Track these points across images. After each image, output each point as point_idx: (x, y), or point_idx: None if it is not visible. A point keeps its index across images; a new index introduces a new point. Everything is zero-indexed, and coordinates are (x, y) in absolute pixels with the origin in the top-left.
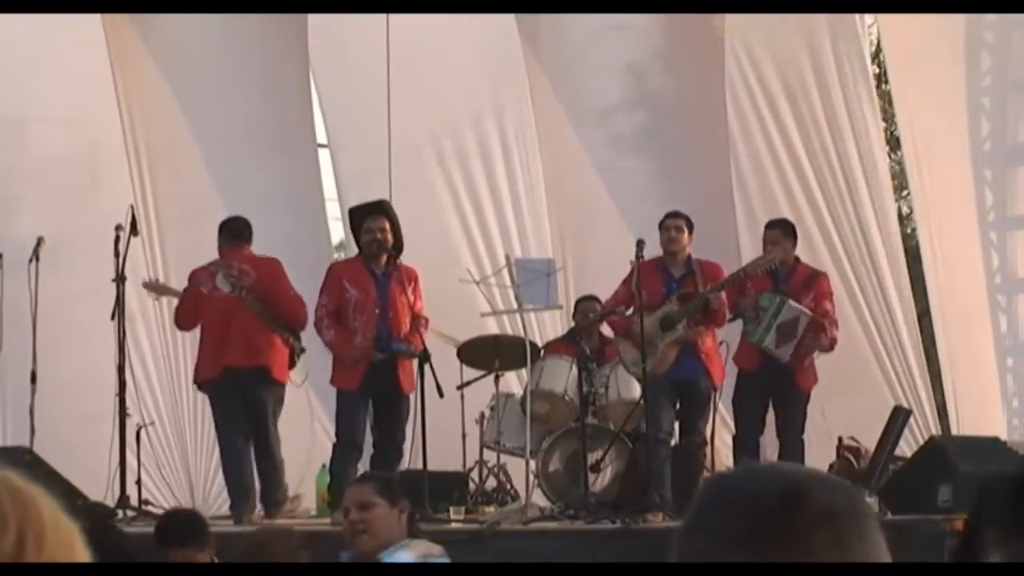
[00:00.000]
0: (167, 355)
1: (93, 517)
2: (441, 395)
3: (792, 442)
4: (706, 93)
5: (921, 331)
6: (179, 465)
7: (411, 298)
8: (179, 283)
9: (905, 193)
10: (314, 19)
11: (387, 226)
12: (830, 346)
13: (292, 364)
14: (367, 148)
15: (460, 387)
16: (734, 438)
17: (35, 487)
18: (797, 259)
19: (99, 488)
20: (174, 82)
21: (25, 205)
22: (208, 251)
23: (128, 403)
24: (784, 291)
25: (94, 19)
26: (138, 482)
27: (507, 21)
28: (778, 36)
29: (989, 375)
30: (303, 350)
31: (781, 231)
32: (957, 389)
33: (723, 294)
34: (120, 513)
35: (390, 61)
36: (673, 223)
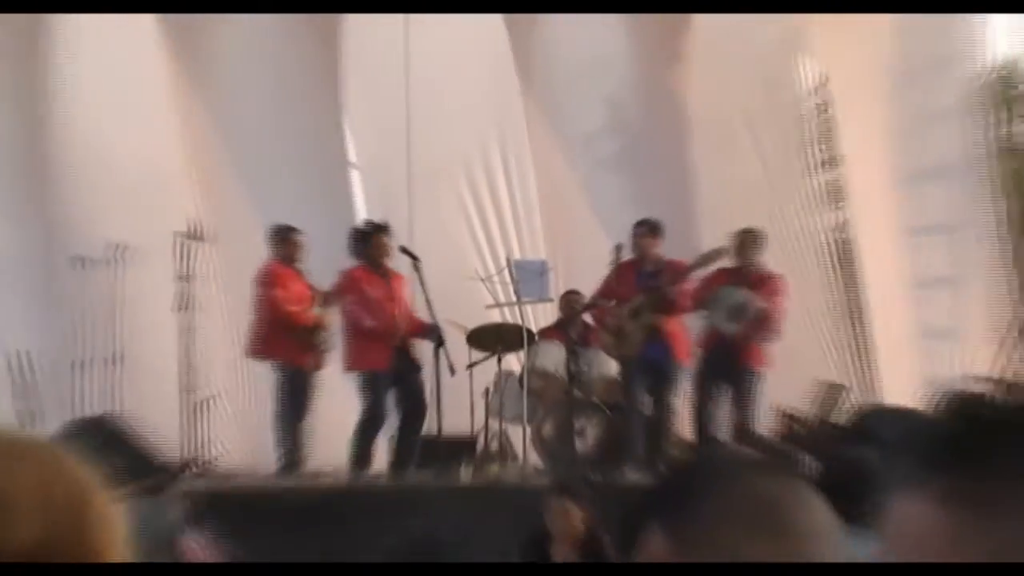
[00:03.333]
0: (225, 340)
1: (160, 474)
2: (453, 373)
3: (743, 415)
4: (674, 120)
5: (854, 321)
6: (236, 429)
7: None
8: (231, 282)
9: (842, 204)
10: (345, 46)
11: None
12: (773, 335)
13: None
14: (388, 167)
15: (469, 367)
16: (695, 407)
17: (59, 450)
18: (756, 261)
19: (171, 451)
20: (223, 111)
21: (108, 217)
22: (252, 257)
23: (194, 379)
24: (742, 284)
25: (159, 59)
26: (203, 446)
27: (507, 61)
28: (736, 69)
29: (908, 356)
30: None
31: (740, 238)
32: (882, 368)
33: (684, 288)
34: (187, 471)
35: (409, 93)
36: (639, 231)
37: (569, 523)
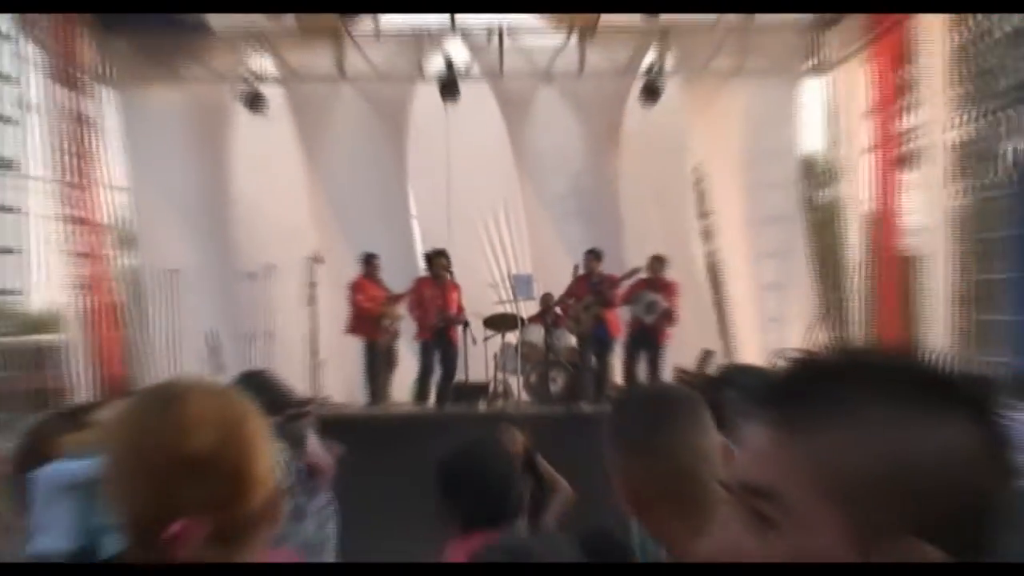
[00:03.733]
0: (333, 324)
1: (294, 407)
2: (475, 343)
3: (654, 370)
4: (610, 188)
5: (721, 311)
6: (341, 379)
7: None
8: (336, 288)
9: (712, 239)
10: (410, 134)
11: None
12: (672, 322)
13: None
14: (435, 216)
15: (484, 340)
16: (624, 366)
17: (231, 390)
18: (662, 275)
19: (300, 392)
20: (332, 174)
21: (262, 245)
22: (348, 273)
23: (315, 347)
24: (656, 289)
25: (294, 136)
26: (320, 389)
27: (508, 150)
28: (649, 154)
29: (755, 334)
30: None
31: (651, 260)
32: (739, 341)
33: (617, 291)
34: (311, 405)
35: (449, 169)
36: (589, 256)
37: (514, 442)
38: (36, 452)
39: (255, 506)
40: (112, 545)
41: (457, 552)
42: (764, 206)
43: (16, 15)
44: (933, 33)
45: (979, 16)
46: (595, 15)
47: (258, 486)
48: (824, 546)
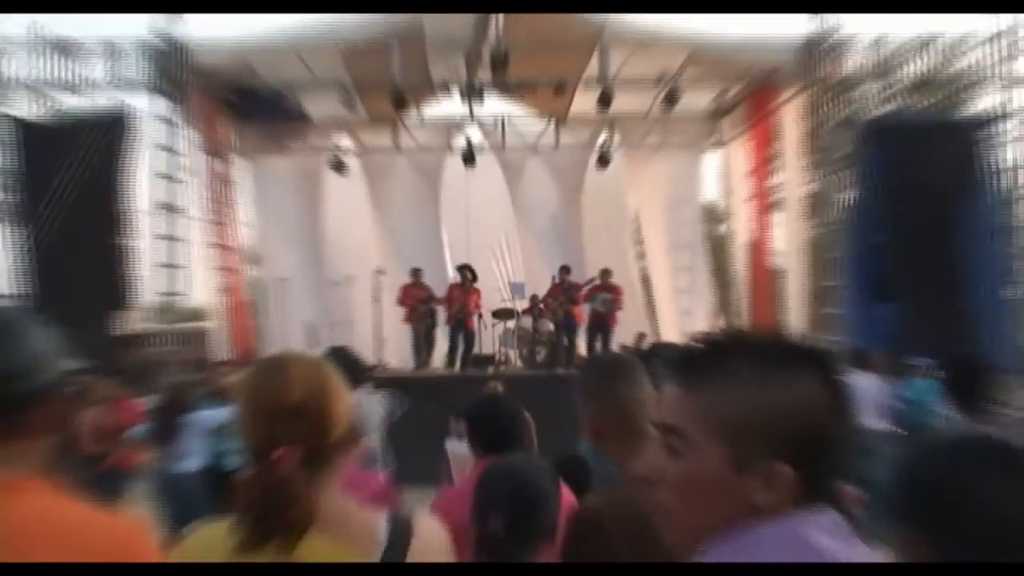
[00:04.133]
0: (391, 317)
1: (365, 372)
2: (486, 328)
3: (606, 345)
4: (576, 226)
5: (651, 307)
6: (396, 351)
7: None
8: (391, 292)
9: (644, 258)
10: (442, 191)
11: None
12: (617, 312)
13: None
14: (459, 245)
15: (492, 326)
16: (587, 343)
17: (321, 360)
18: (610, 281)
19: (369, 361)
20: (392, 218)
21: (343, 261)
22: (400, 281)
23: (379, 331)
24: (607, 291)
25: (365, 194)
26: (382, 359)
27: (507, 197)
28: (598, 200)
29: (673, 323)
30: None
31: (602, 272)
32: (662, 328)
33: (580, 293)
34: (376, 370)
35: (468, 213)
36: (562, 271)
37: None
38: (184, 401)
39: (334, 440)
40: (234, 464)
41: (475, 469)
42: (678, 236)
43: (177, 106)
44: (790, 121)
45: (820, 110)
46: (566, 109)
47: (336, 427)
48: (712, 467)
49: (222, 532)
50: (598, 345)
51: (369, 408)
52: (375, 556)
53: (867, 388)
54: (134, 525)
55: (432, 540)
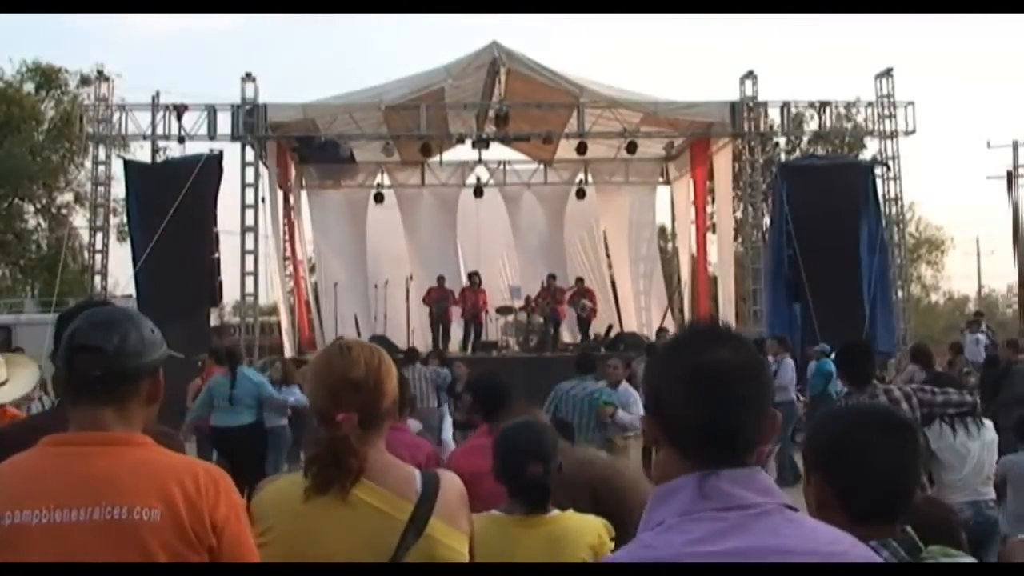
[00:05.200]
0: (419, 312)
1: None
2: (491, 320)
3: (587, 335)
4: (560, 245)
5: (616, 304)
6: (424, 340)
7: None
8: (418, 293)
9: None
10: (458, 217)
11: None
12: (594, 308)
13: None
14: (469, 259)
15: (495, 319)
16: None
17: (375, 346)
18: (587, 286)
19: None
20: (419, 238)
21: (384, 270)
22: (427, 285)
23: (412, 324)
24: (585, 297)
25: (398, 220)
26: (414, 347)
27: (507, 222)
28: (578, 225)
29: (636, 316)
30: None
31: (577, 279)
32: (626, 320)
33: (564, 295)
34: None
35: (479, 235)
36: (549, 278)
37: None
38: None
39: (384, 408)
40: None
41: (482, 431)
42: (638, 252)
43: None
44: (723, 164)
45: (745, 156)
46: (551, 154)
47: (386, 398)
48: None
49: (290, 483)
50: (579, 335)
51: (421, 380)
52: (411, 501)
53: (786, 367)
54: (215, 471)
55: (454, 488)
